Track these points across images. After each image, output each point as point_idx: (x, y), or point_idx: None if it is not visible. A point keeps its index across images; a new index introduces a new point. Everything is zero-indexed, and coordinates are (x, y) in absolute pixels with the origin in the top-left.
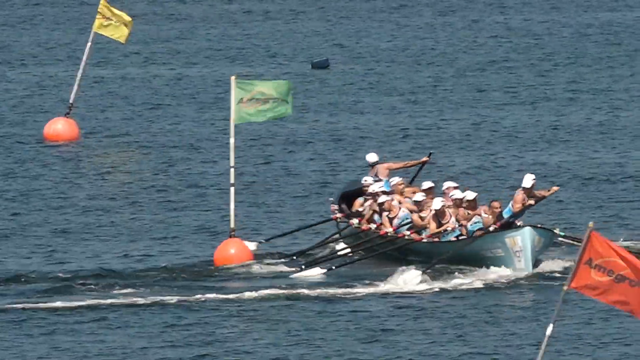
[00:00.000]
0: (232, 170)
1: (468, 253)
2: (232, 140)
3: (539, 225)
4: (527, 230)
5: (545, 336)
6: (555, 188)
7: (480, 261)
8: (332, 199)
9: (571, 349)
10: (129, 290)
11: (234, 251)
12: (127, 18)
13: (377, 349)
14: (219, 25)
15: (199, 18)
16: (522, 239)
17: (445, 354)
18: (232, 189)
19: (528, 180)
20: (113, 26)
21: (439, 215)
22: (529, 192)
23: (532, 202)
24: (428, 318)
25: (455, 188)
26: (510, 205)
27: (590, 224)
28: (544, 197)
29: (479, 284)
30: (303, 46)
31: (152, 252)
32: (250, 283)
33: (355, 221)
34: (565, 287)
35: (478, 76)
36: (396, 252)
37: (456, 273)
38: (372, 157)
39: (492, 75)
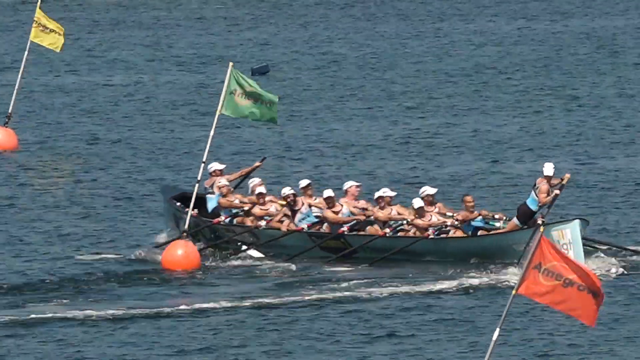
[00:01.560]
0: (202, 165)
1: (503, 248)
2: (212, 132)
3: (584, 218)
4: (577, 222)
5: (492, 341)
6: (567, 175)
7: (515, 255)
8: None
9: (518, 353)
10: (63, 300)
11: (182, 253)
12: (61, 27)
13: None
14: (157, 30)
15: (136, 24)
16: (572, 231)
17: None
18: (196, 186)
19: (549, 168)
20: (49, 35)
21: (420, 215)
22: (549, 180)
23: (557, 191)
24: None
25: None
26: (533, 195)
27: (541, 228)
28: (563, 186)
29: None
30: (245, 52)
31: (94, 258)
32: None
33: (263, 223)
34: (513, 292)
35: (447, 82)
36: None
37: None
38: (211, 168)
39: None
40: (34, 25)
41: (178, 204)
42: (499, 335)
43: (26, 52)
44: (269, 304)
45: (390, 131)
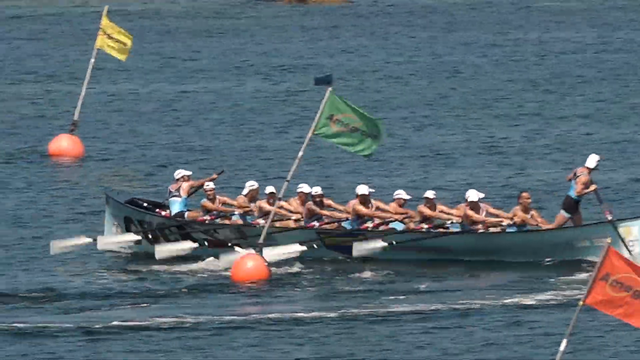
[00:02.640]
0: (285, 184)
1: (562, 243)
2: (300, 153)
3: None
4: None
5: (559, 352)
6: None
7: (573, 252)
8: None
9: None
10: (139, 310)
11: (252, 266)
12: (128, 35)
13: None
14: (221, 40)
15: (199, 34)
16: (639, 228)
17: None
18: (277, 203)
19: (592, 160)
20: (114, 43)
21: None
22: (590, 172)
23: (595, 186)
24: (438, 335)
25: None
26: (573, 184)
27: (608, 239)
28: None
29: (495, 300)
30: (308, 61)
31: (168, 270)
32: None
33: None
34: (580, 303)
35: (488, 92)
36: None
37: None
38: (178, 174)
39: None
40: (99, 33)
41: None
42: (566, 346)
43: (92, 60)
44: (340, 314)
45: (474, 139)
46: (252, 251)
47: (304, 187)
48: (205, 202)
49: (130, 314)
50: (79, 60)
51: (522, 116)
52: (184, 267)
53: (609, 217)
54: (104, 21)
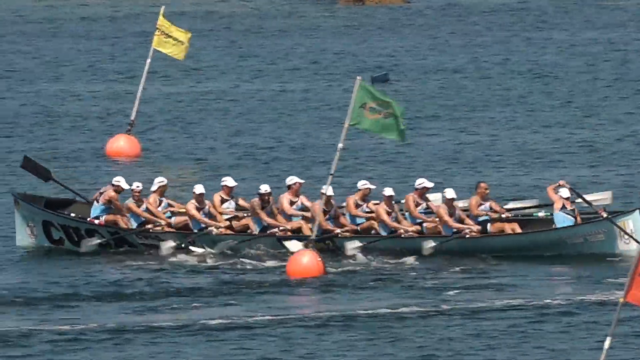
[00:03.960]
0: (330, 177)
1: (556, 242)
2: (340, 145)
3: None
4: (637, 212)
5: (604, 350)
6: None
7: (569, 248)
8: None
9: None
10: (197, 308)
11: (307, 261)
12: (186, 34)
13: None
14: (278, 40)
15: (256, 34)
16: (634, 221)
17: None
18: (323, 197)
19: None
20: (171, 42)
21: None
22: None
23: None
24: (478, 335)
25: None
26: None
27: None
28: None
29: (530, 297)
30: (365, 61)
31: (225, 267)
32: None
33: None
34: (621, 300)
35: (539, 94)
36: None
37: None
38: (116, 181)
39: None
40: (156, 32)
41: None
42: (610, 344)
43: (148, 60)
44: (396, 312)
45: (551, 138)
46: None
47: (228, 181)
48: (130, 203)
49: (183, 312)
50: (136, 60)
51: (603, 115)
52: (232, 263)
53: (604, 215)
54: (161, 21)
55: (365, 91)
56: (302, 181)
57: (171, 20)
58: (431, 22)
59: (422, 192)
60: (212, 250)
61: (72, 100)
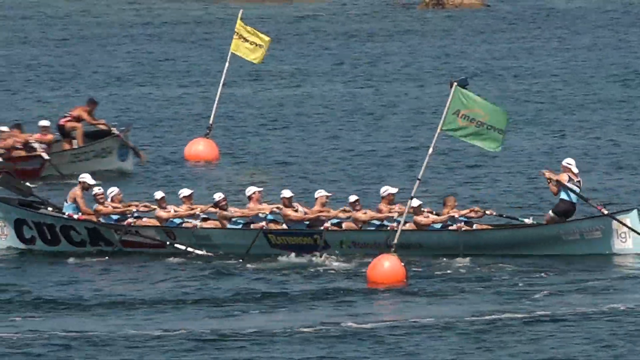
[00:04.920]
0: (417, 182)
1: (551, 238)
2: (430, 150)
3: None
4: (635, 212)
5: None
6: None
7: (564, 245)
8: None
9: None
10: (272, 313)
11: (388, 267)
12: (265, 38)
13: None
14: (357, 44)
15: (334, 38)
16: (632, 220)
17: None
18: (409, 202)
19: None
20: (249, 47)
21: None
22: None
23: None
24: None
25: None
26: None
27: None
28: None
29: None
30: (444, 65)
31: (297, 271)
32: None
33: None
34: None
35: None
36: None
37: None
38: (85, 178)
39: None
40: (234, 36)
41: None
42: None
43: (227, 64)
44: (477, 317)
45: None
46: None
47: (184, 191)
48: (98, 207)
49: (263, 318)
50: (214, 64)
51: None
52: (305, 266)
53: (605, 212)
54: (239, 25)
55: (461, 97)
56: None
57: (254, 24)
58: (510, 25)
59: (390, 200)
60: (200, 249)
61: (152, 104)
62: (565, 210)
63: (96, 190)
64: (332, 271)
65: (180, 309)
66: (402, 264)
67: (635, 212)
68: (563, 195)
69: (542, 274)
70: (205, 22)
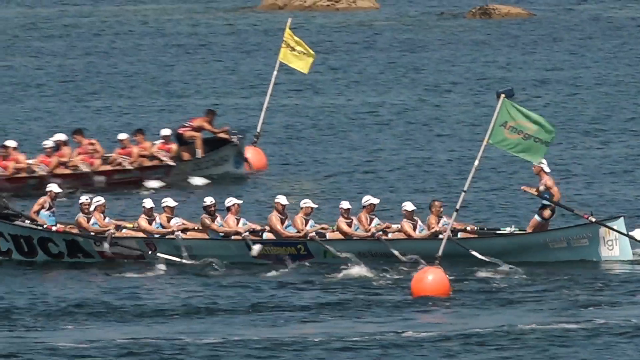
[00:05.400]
0: (462, 194)
1: (539, 246)
2: (476, 162)
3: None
4: (622, 219)
5: None
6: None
7: (552, 253)
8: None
9: None
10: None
11: (432, 279)
12: (311, 52)
13: None
14: (404, 53)
15: (379, 47)
16: (618, 228)
17: None
18: (454, 214)
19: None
20: (297, 56)
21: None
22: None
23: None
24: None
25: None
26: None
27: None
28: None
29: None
30: (491, 74)
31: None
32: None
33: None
34: None
35: None
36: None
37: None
38: (51, 187)
39: None
40: (282, 45)
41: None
42: None
43: (275, 72)
44: (521, 328)
45: None
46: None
47: (169, 201)
48: (80, 217)
49: (312, 327)
50: (262, 73)
51: None
52: (349, 276)
53: (592, 219)
54: (287, 34)
55: (509, 109)
56: (376, 201)
57: (301, 33)
58: (556, 34)
59: (371, 209)
60: (184, 260)
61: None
62: (550, 215)
63: (83, 199)
64: (375, 283)
65: (218, 317)
66: (447, 275)
67: (622, 219)
68: (545, 201)
69: (590, 284)
70: (252, 31)
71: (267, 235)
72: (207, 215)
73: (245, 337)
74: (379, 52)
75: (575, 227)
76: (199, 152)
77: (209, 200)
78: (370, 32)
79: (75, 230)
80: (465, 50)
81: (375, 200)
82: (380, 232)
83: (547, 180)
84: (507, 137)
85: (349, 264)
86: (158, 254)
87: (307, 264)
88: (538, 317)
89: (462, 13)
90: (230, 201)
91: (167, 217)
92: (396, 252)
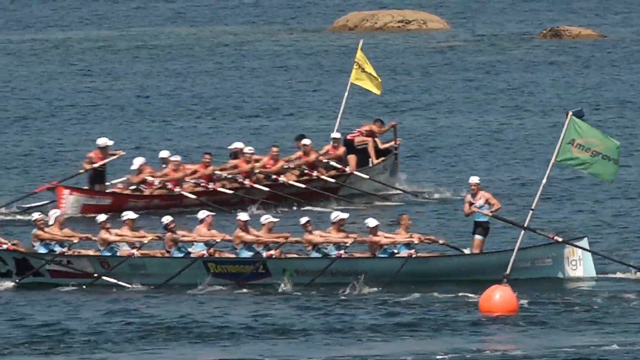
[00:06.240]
0: (530, 212)
1: (499, 266)
2: (544, 181)
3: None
4: (586, 239)
5: None
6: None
7: (515, 272)
8: None
9: None
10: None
11: (501, 297)
12: (378, 79)
13: None
14: (475, 74)
15: (450, 68)
16: (582, 247)
17: None
18: (522, 233)
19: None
20: (369, 77)
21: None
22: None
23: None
24: None
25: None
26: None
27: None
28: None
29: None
30: (562, 96)
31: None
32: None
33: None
34: None
35: None
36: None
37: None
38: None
39: None
40: (354, 66)
41: None
42: None
43: (346, 93)
44: (597, 349)
45: None
46: None
47: (129, 214)
48: (38, 232)
49: (382, 349)
50: (334, 95)
51: None
52: (419, 297)
53: (559, 239)
54: (359, 55)
55: (576, 127)
56: (345, 216)
57: (372, 54)
58: (628, 56)
59: (340, 224)
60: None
61: (269, 135)
62: (486, 230)
63: (35, 215)
64: (442, 302)
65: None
66: (515, 293)
67: (586, 239)
68: (479, 218)
69: None
70: (324, 52)
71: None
72: (170, 232)
73: (318, 357)
74: (448, 74)
75: (540, 246)
76: (371, 160)
77: (166, 219)
78: (441, 53)
79: (24, 249)
80: (534, 71)
81: (345, 215)
82: (342, 251)
83: (484, 195)
84: (575, 155)
85: (415, 285)
86: (106, 277)
87: (266, 282)
88: (616, 336)
89: (532, 34)
90: (203, 213)
91: (129, 230)
92: (360, 270)
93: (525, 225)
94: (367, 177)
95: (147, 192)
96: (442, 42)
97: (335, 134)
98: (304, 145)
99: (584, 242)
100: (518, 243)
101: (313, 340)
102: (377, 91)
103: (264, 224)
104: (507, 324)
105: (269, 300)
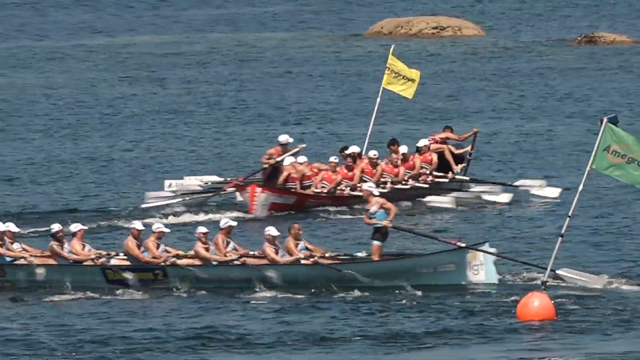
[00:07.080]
0: (567, 219)
1: (405, 271)
2: (580, 187)
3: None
4: (487, 244)
5: None
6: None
7: (418, 278)
8: None
9: None
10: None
11: (538, 304)
12: (415, 72)
13: None
14: (507, 81)
15: (482, 75)
16: (483, 252)
17: None
18: (559, 240)
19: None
20: (400, 81)
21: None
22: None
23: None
24: None
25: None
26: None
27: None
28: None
29: None
30: (595, 102)
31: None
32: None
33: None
34: None
35: None
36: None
37: None
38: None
39: None
40: (386, 71)
41: None
42: None
43: (378, 99)
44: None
45: None
46: None
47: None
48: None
49: (418, 356)
50: (366, 100)
51: None
52: (461, 302)
53: (461, 245)
54: (391, 59)
55: (611, 133)
56: (275, 233)
57: (404, 59)
58: None
59: (228, 231)
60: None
61: (302, 142)
62: (385, 235)
63: (56, 227)
64: (479, 309)
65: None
66: (552, 301)
67: (487, 244)
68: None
69: None
70: (358, 58)
71: (119, 262)
72: (56, 241)
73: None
74: (481, 80)
75: (442, 252)
76: (452, 166)
77: (56, 227)
78: (472, 60)
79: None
80: (571, 78)
81: (234, 223)
82: (244, 258)
83: (378, 200)
84: (611, 162)
85: (451, 291)
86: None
87: (166, 288)
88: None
89: (567, 40)
90: (76, 227)
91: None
92: (260, 278)
93: (563, 232)
94: (467, 178)
95: (323, 192)
96: (478, 48)
97: (423, 141)
98: (403, 153)
99: (486, 247)
100: (556, 247)
101: (350, 348)
102: (409, 96)
103: (154, 232)
104: (545, 331)
105: (270, 308)
